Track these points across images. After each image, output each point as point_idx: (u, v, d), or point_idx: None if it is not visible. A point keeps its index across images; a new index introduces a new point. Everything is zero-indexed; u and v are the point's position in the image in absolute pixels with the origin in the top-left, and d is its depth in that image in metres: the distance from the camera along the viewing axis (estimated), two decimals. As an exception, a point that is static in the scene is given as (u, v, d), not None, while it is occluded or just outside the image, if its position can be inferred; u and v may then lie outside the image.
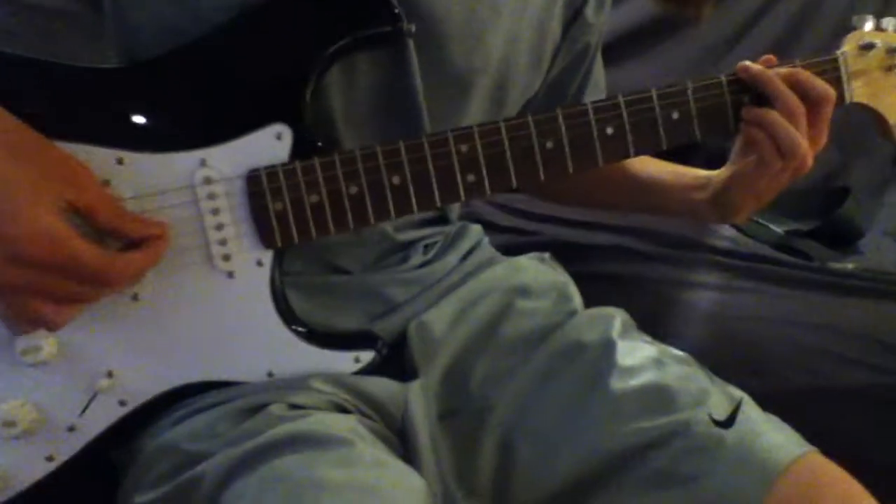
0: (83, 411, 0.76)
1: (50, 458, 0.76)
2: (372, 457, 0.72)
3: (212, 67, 0.78)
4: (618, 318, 0.94)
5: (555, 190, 1.15)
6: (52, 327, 0.71)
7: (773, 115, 0.85)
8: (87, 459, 0.77)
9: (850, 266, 1.48)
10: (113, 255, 0.71)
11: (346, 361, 0.82)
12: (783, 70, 0.87)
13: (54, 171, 0.69)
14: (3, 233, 0.64)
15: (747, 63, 0.87)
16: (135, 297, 0.76)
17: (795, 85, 0.86)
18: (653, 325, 1.01)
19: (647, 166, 1.05)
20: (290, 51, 0.78)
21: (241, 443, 0.73)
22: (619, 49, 1.70)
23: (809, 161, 0.86)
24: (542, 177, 0.83)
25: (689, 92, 0.86)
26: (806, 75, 0.87)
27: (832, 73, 0.90)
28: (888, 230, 1.78)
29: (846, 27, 0.93)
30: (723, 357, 1.13)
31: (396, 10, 0.78)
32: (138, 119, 0.77)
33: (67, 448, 0.77)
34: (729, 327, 1.23)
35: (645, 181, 1.05)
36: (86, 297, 0.71)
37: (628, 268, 1.33)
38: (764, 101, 0.87)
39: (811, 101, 0.86)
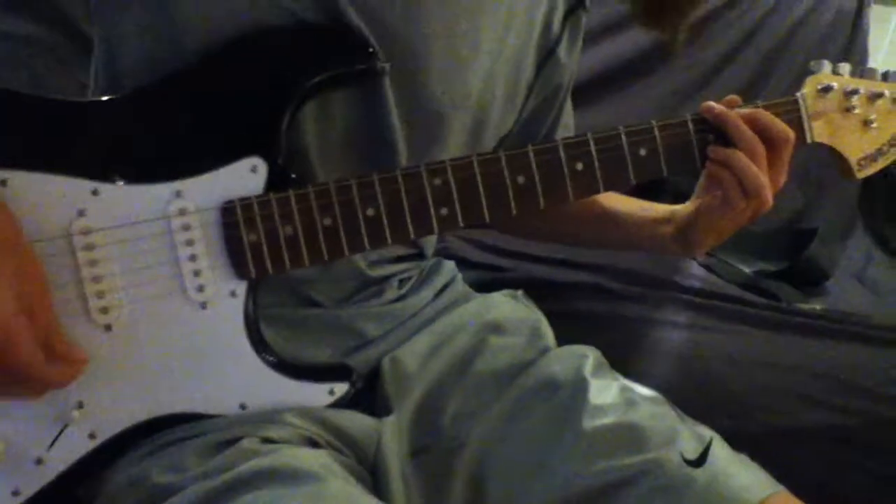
0: (52, 444, 0.75)
1: (16, 493, 0.75)
2: (343, 493, 0.71)
3: (188, 100, 0.78)
4: (590, 356, 0.94)
5: (523, 225, 1.16)
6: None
7: (739, 156, 0.87)
8: (53, 494, 0.76)
9: (817, 307, 1.50)
10: (48, 363, 0.70)
11: (320, 393, 0.81)
12: (744, 111, 0.89)
13: (26, 275, 0.68)
14: None
15: (710, 103, 0.89)
16: (107, 328, 0.75)
17: (756, 125, 0.88)
18: (623, 363, 1.02)
19: (613, 202, 1.06)
20: (266, 85, 0.78)
21: (212, 477, 0.72)
22: (590, 91, 1.73)
23: (770, 200, 0.88)
24: (515, 211, 0.84)
25: (656, 130, 0.88)
26: (766, 116, 0.89)
27: (793, 114, 0.93)
28: (853, 271, 1.81)
29: (808, 74, 0.95)
30: (692, 395, 1.14)
31: (371, 49, 0.79)
32: (114, 151, 0.76)
33: (34, 482, 0.75)
34: (698, 366, 1.24)
35: (611, 216, 1.06)
36: (22, 396, 0.72)
37: (600, 306, 1.34)
38: (728, 141, 0.89)
39: (771, 142, 0.88)
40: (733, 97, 0.91)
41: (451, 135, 0.91)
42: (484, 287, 1.07)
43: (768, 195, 0.87)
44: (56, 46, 1.32)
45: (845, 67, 0.95)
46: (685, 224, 0.97)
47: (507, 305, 1.02)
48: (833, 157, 0.98)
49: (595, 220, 1.06)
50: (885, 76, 0.96)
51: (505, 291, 1.06)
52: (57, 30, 1.34)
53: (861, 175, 0.98)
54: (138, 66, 0.79)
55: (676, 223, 0.99)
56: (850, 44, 2.01)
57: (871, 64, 2.00)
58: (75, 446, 0.76)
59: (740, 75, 1.90)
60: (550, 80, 1.02)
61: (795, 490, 0.81)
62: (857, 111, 0.95)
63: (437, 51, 0.86)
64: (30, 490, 0.75)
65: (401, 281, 0.98)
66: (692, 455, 0.82)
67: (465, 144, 0.93)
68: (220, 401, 0.79)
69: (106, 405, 0.76)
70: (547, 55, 1.00)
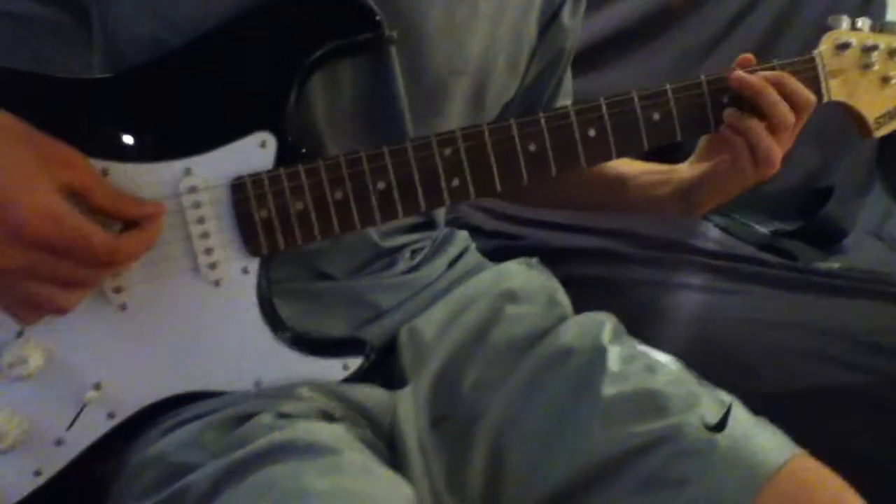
0: (71, 424, 0.76)
1: (38, 473, 0.76)
2: (360, 465, 0.72)
3: (195, 76, 0.77)
4: (608, 323, 0.94)
5: (530, 193, 1.15)
6: (58, 311, 0.70)
7: (755, 124, 0.87)
8: (74, 473, 0.76)
9: (835, 266, 1.49)
10: (115, 234, 0.70)
11: (334, 368, 0.81)
12: (771, 75, 0.88)
13: (49, 155, 0.68)
14: (3, 216, 0.64)
15: (740, 73, 0.88)
16: (122, 308, 0.76)
17: (783, 90, 0.87)
18: (639, 327, 1.01)
19: (614, 164, 1.05)
20: (272, 59, 0.78)
21: (229, 453, 0.72)
22: (601, 54, 1.72)
23: (778, 166, 0.88)
24: (526, 180, 0.83)
25: (670, 93, 0.87)
26: (792, 82, 0.88)
27: (810, 73, 0.91)
28: (871, 229, 1.80)
29: (824, 29, 0.94)
30: (709, 359, 1.13)
31: (378, 18, 0.78)
32: (122, 129, 0.76)
33: (55, 462, 0.76)
34: (715, 329, 1.23)
35: (610, 178, 1.06)
36: (89, 279, 0.70)
37: (614, 271, 1.33)
38: (742, 102, 0.88)
39: (794, 108, 0.88)
40: (747, 56, 0.90)
41: (452, 102, 0.90)
42: (498, 255, 1.07)
43: (778, 162, 0.88)
44: (61, 25, 1.31)
45: (865, 22, 0.93)
46: (689, 185, 0.97)
47: (523, 274, 1.02)
48: (850, 116, 0.97)
49: (593, 183, 1.06)
50: None
51: (519, 259, 1.05)
52: (61, 8, 1.34)
53: (878, 134, 0.97)
54: (139, 45, 0.79)
55: (675, 184, 0.99)
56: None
57: (890, 15, 1.97)
58: (94, 426, 0.76)
59: (753, 33, 1.87)
60: (553, 45, 1.01)
61: (816, 452, 0.81)
62: (875, 68, 0.93)
63: (436, 16, 0.85)
64: (51, 470, 0.76)
65: (413, 251, 0.98)
66: (713, 420, 0.82)
67: (466, 113, 0.92)
68: (235, 377, 0.79)
69: (123, 385, 0.77)
70: (550, 19, 0.99)
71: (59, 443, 0.76)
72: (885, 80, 0.94)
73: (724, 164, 0.91)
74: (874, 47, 0.93)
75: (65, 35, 1.32)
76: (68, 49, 1.30)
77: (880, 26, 0.94)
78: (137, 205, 0.73)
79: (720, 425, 0.81)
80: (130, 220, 0.72)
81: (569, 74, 1.09)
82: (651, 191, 1.03)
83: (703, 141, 0.98)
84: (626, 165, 1.06)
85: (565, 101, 1.09)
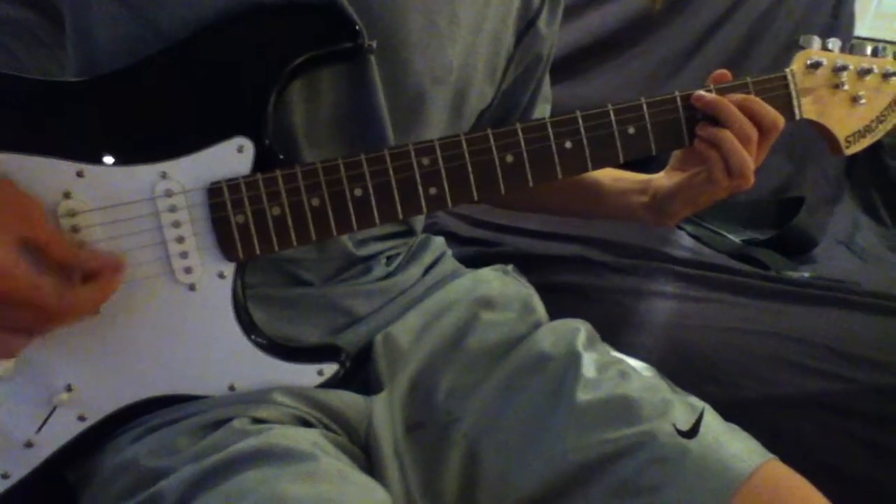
0: (41, 427, 0.75)
1: (5, 476, 0.75)
2: (335, 471, 0.71)
3: (173, 80, 0.77)
4: (582, 329, 0.95)
5: (507, 198, 1.16)
6: (3, 356, 0.70)
7: (728, 136, 0.88)
8: (43, 477, 0.76)
9: (805, 275, 1.50)
10: (67, 287, 0.69)
11: (309, 374, 0.81)
12: (737, 97, 0.89)
13: (6, 206, 0.68)
14: None
15: (701, 92, 0.90)
16: (95, 311, 0.75)
17: (748, 112, 0.89)
18: (614, 334, 1.02)
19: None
20: (252, 65, 0.77)
21: (203, 458, 0.72)
22: (578, 63, 1.73)
23: (752, 180, 0.90)
24: (503, 189, 0.84)
25: (645, 107, 0.88)
26: (757, 103, 0.89)
27: (782, 90, 0.93)
28: (840, 239, 1.82)
29: (794, 44, 0.95)
30: (682, 366, 1.15)
31: (357, 27, 0.78)
32: (98, 132, 0.75)
33: (24, 465, 0.75)
34: (687, 336, 1.24)
35: (586, 185, 1.07)
36: (40, 329, 0.69)
37: (589, 278, 1.34)
38: (717, 119, 0.89)
39: (760, 127, 0.89)
40: (722, 72, 0.92)
41: (434, 111, 0.90)
42: (474, 262, 1.07)
43: (752, 175, 0.89)
44: (35, 27, 1.31)
45: (835, 43, 0.95)
46: (663, 197, 0.98)
47: (498, 280, 1.02)
48: (821, 134, 0.98)
49: (569, 189, 1.07)
50: (875, 52, 0.97)
51: (495, 266, 1.06)
52: (35, 10, 1.33)
53: (849, 152, 0.98)
54: (115, 47, 0.78)
55: (651, 193, 1.00)
56: (836, 10, 2.01)
57: (858, 29, 2.00)
58: (65, 429, 0.76)
59: (727, 45, 1.90)
60: (530, 52, 1.02)
61: (787, 459, 0.82)
62: (845, 87, 0.95)
63: (416, 25, 0.85)
64: (19, 473, 0.75)
65: (388, 258, 0.98)
66: (685, 426, 0.82)
67: (447, 120, 0.93)
68: (209, 382, 0.79)
69: (95, 387, 0.76)
70: (527, 26, 1.00)
71: (28, 445, 0.75)
72: (855, 99, 0.96)
73: (699, 177, 0.92)
74: (844, 67, 0.95)
75: (39, 37, 1.31)
76: (43, 51, 1.30)
77: (850, 47, 0.96)
78: (96, 257, 0.72)
79: (692, 432, 0.82)
80: (89, 273, 0.71)
81: (547, 80, 1.10)
82: (626, 199, 1.04)
83: (677, 153, 0.99)
84: (602, 173, 1.06)
85: (543, 106, 1.10)
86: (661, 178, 1.00)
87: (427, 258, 1.02)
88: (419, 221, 1.03)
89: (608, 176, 1.06)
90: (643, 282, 1.34)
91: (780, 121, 0.90)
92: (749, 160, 0.88)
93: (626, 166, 0.95)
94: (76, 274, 0.70)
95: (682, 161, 0.98)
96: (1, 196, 0.68)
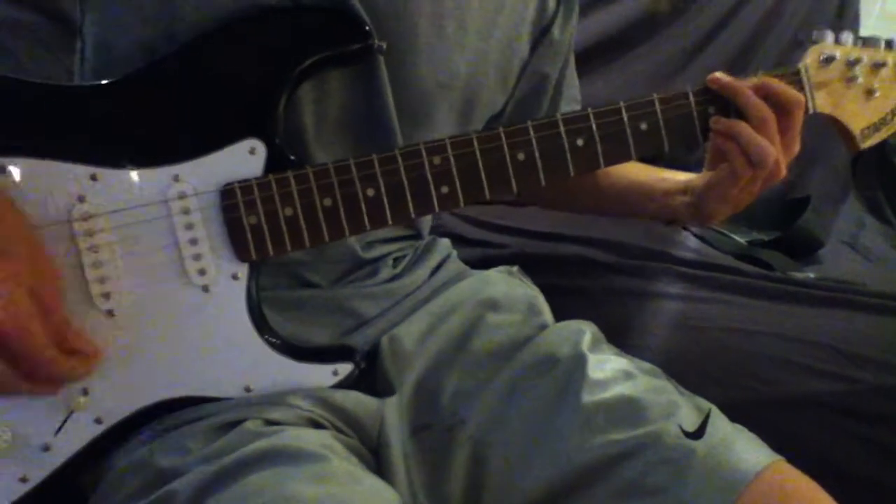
0: (58, 430, 0.75)
1: (24, 479, 0.75)
2: (346, 472, 0.72)
3: (184, 84, 0.77)
4: (588, 331, 0.95)
5: (537, 196, 1.16)
6: None
7: (741, 126, 0.87)
8: (60, 480, 0.76)
9: (810, 275, 1.50)
10: (56, 350, 0.69)
11: (324, 375, 0.82)
12: (752, 81, 0.89)
13: (34, 263, 0.68)
14: None
15: (717, 74, 0.89)
16: (110, 314, 0.76)
17: (765, 94, 0.88)
18: (619, 336, 1.02)
19: (628, 170, 1.06)
20: (262, 67, 0.78)
21: (215, 459, 0.72)
22: (584, 62, 1.72)
23: (783, 168, 0.89)
24: (515, 188, 0.84)
25: (657, 104, 0.88)
26: (775, 83, 0.89)
27: (795, 85, 0.92)
28: (845, 239, 1.82)
29: (800, 40, 0.95)
30: (688, 367, 1.15)
31: (368, 28, 0.79)
32: (111, 135, 0.76)
33: (42, 468, 0.76)
34: (693, 337, 1.24)
35: (626, 185, 1.07)
36: (12, 386, 0.69)
37: (595, 279, 1.34)
38: (729, 112, 0.89)
39: (781, 108, 0.88)
40: (723, 74, 0.91)
41: (439, 115, 0.91)
42: (479, 264, 1.07)
43: (779, 163, 0.88)
44: (40, 31, 1.31)
45: (848, 37, 0.95)
46: (699, 197, 0.97)
47: (503, 282, 1.02)
48: (835, 128, 0.98)
49: (607, 189, 1.07)
50: (890, 44, 0.96)
51: (500, 268, 1.06)
52: (41, 14, 1.33)
53: (864, 145, 0.98)
54: (132, 51, 0.79)
55: (692, 194, 0.99)
56: (840, 10, 2.01)
57: (863, 29, 2.00)
58: (82, 432, 0.76)
59: (732, 43, 1.90)
60: (545, 59, 1.02)
61: (793, 460, 0.82)
62: (859, 81, 0.95)
63: (424, 29, 0.85)
64: (38, 477, 0.76)
65: (395, 260, 0.98)
66: (691, 427, 0.83)
67: (453, 125, 0.93)
68: (224, 384, 0.80)
69: (111, 391, 0.77)
70: (541, 34, 1.00)
71: (45, 449, 0.75)
72: (869, 92, 0.95)
73: (724, 172, 0.91)
74: (858, 60, 0.94)
75: (42, 40, 1.31)
76: (46, 54, 1.30)
77: (863, 40, 0.96)
78: (80, 337, 0.73)
79: (698, 433, 0.82)
80: (68, 349, 0.71)
81: (574, 81, 1.10)
82: (670, 199, 1.02)
83: (709, 153, 0.97)
84: (646, 174, 1.06)
85: (573, 106, 1.09)
86: (698, 178, 0.99)
87: (433, 260, 1.02)
88: (426, 224, 1.03)
89: (652, 177, 1.06)
90: (648, 283, 1.34)
91: (801, 98, 0.89)
92: (768, 146, 0.86)
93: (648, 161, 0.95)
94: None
95: (711, 160, 0.96)
96: (32, 255, 0.69)
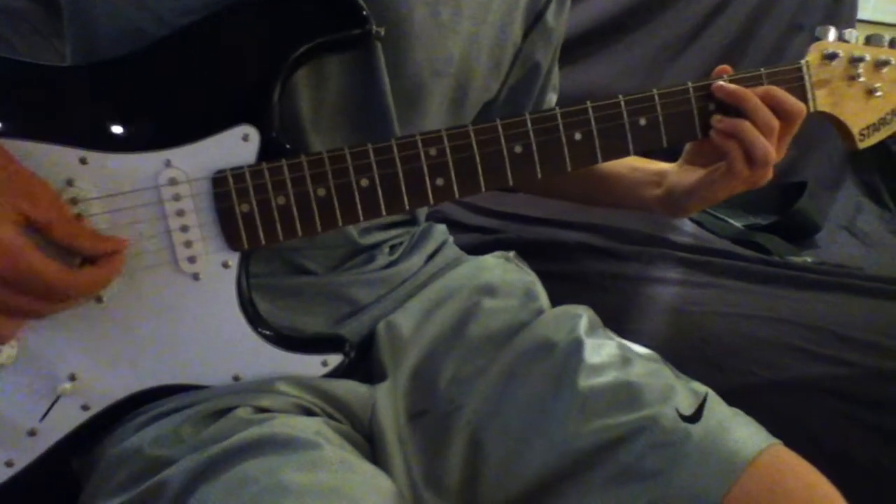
0: (44, 416, 0.75)
1: (9, 464, 0.75)
2: (338, 459, 0.72)
3: (178, 67, 0.76)
4: (584, 315, 0.94)
5: (527, 185, 1.15)
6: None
7: (746, 125, 0.87)
8: (47, 465, 0.76)
9: (807, 259, 1.50)
10: (69, 270, 0.69)
11: (313, 365, 0.81)
12: (759, 89, 0.88)
13: (10, 184, 0.67)
14: None
15: (722, 83, 0.88)
16: (99, 300, 0.75)
17: (769, 101, 0.88)
18: (616, 321, 1.02)
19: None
20: (258, 52, 0.77)
21: (206, 447, 0.72)
22: (578, 48, 1.72)
23: (771, 173, 0.89)
24: (511, 181, 0.83)
25: (656, 98, 0.87)
26: (779, 92, 0.88)
27: (796, 82, 0.92)
28: (842, 224, 1.82)
29: (799, 24, 0.94)
30: (685, 351, 1.15)
31: (365, 13, 0.78)
32: (102, 119, 0.75)
33: (28, 453, 0.75)
34: (689, 321, 1.24)
35: (602, 175, 1.06)
36: (38, 312, 0.69)
37: (592, 265, 1.34)
38: (729, 110, 0.88)
39: (783, 116, 0.88)
40: (724, 67, 0.91)
41: (432, 102, 0.90)
42: (476, 249, 1.07)
43: (772, 165, 0.88)
44: (31, 17, 1.30)
45: (852, 34, 0.94)
46: (680, 192, 0.97)
47: (500, 267, 1.02)
48: (834, 126, 0.97)
49: (584, 177, 1.06)
50: (893, 43, 0.95)
51: (497, 253, 1.06)
52: (35, 1, 1.32)
53: (863, 145, 0.97)
54: (118, 35, 0.78)
55: (666, 187, 0.99)
56: (837, -1, 2.00)
57: (861, 12, 1.99)
58: (68, 418, 0.76)
59: (728, 28, 1.89)
60: (538, 45, 1.01)
61: (790, 443, 0.82)
62: (861, 79, 0.94)
63: (419, 15, 0.85)
64: (23, 461, 0.75)
65: (391, 247, 0.98)
66: (688, 411, 0.83)
67: (447, 111, 0.93)
68: (213, 372, 0.79)
69: (99, 377, 0.76)
70: (535, 20, 0.99)
71: (32, 433, 0.75)
72: (871, 91, 0.94)
73: (719, 172, 0.91)
74: (861, 59, 0.93)
75: (36, 26, 1.31)
76: (40, 40, 1.29)
77: (867, 38, 0.94)
78: (97, 240, 0.72)
79: (695, 416, 0.82)
80: (90, 256, 0.71)
81: (556, 70, 1.09)
82: (640, 191, 1.03)
83: (690, 148, 0.98)
84: (620, 163, 1.05)
85: (551, 95, 1.09)
86: (677, 173, 0.99)
87: (429, 246, 1.02)
88: (422, 211, 1.03)
89: (626, 166, 1.05)
90: (645, 268, 1.34)
91: (803, 110, 0.89)
92: (771, 149, 0.87)
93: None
94: (77, 256, 0.70)
95: (696, 154, 0.97)
96: (3, 173, 0.67)
